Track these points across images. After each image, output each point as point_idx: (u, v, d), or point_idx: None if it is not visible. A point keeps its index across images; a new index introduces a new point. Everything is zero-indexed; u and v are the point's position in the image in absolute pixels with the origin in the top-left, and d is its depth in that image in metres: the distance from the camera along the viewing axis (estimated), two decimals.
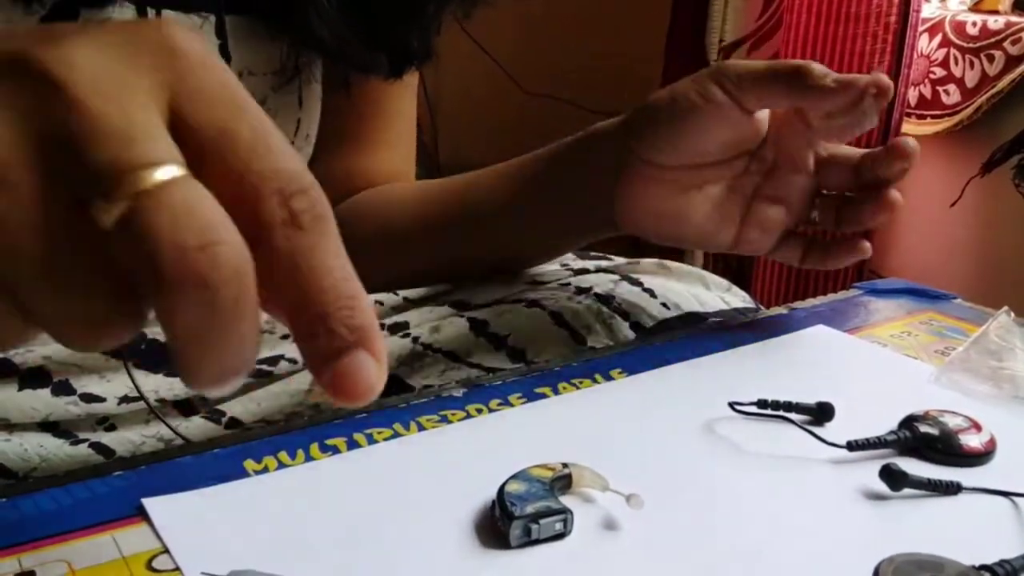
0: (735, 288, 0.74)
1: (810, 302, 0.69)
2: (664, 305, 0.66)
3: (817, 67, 0.56)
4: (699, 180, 0.61)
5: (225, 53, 0.54)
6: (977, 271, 1.32)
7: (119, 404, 0.56)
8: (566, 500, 0.40)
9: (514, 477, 0.41)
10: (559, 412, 0.51)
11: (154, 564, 0.36)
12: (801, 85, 0.56)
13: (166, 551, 0.37)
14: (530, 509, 0.38)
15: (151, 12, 0.51)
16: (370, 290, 0.73)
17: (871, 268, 1.39)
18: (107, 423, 0.56)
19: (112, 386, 0.57)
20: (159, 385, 0.57)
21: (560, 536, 0.39)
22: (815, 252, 0.64)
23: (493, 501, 0.40)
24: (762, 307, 0.72)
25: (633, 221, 0.64)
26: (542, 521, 0.38)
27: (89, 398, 0.55)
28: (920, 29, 1.39)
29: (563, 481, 0.41)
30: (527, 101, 1.95)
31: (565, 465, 0.42)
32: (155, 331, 0.58)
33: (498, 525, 0.39)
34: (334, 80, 0.67)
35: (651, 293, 0.67)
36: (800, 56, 1.55)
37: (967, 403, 0.53)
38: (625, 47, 2.04)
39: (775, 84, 0.57)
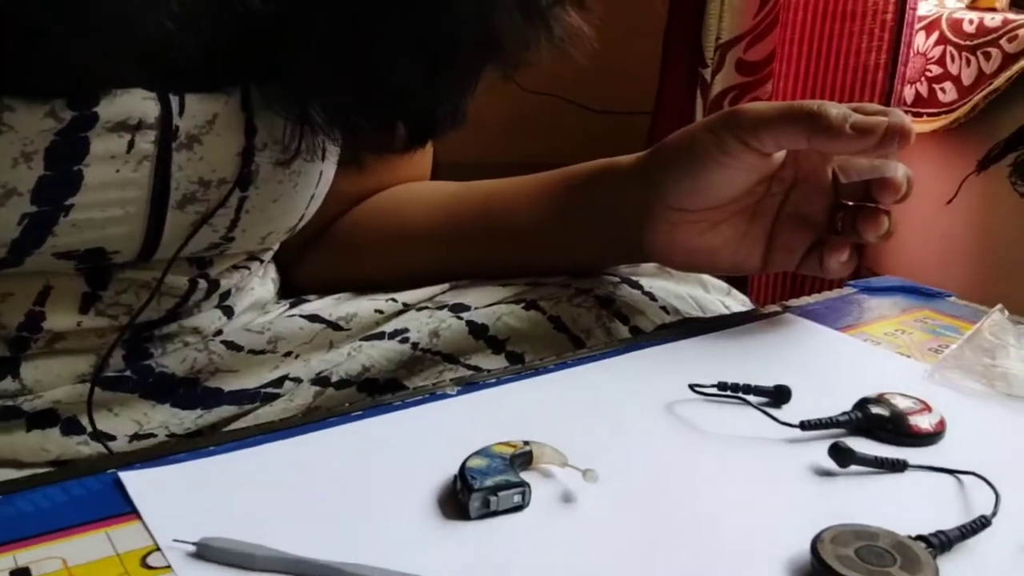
0: (735, 292, 0.74)
1: (804, 300, 0.69)
2: (664, 309, 0.66)
3: (834, 111, 0.56)
4: (725, 215, 0.62)
5: (251, 126, 0.53)
6: (973, 268, 1.33)
7: (130, 442, 0.57)
8: (526, 475, 0.42)
9: (476, 453, 0.42)
10: (526, 394, 0.52)
11: (148, 561, 0.36)
12: (818, 129, 0.56)
13: (159, 549, 0.37)
14: (489, 482, 0.40)
15: (173, 99, 0.50)
16: (378, 286, 0.74)
17: (867, 266, 1.39)
18: None
19: (120, 421, 0.57)
20: (168, 419, 0.58)
21: (518, 508, 0.40)
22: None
23: (455, 476, 0.41)
24: (760, 308, 0.72)
25: (665, 257, 0.66)
26: (500, 494, 0.40)
27: (99, 436, 0.55)
28: (917, 27, 1.40)
29: (524, 458, 0.43)
30: (526, 99, 1.95)
31: (526, 443, 0.43)
32: (163, 364, 0.59)
33: (459, 498, 0.40)
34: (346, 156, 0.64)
35: (651, 296, 0.67)
36: (796, 53, 1.55)
37: (958, 399, 0.53)
38: (623, 45, 2.04)
39: (792, 128, 0.57)
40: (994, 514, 0.40)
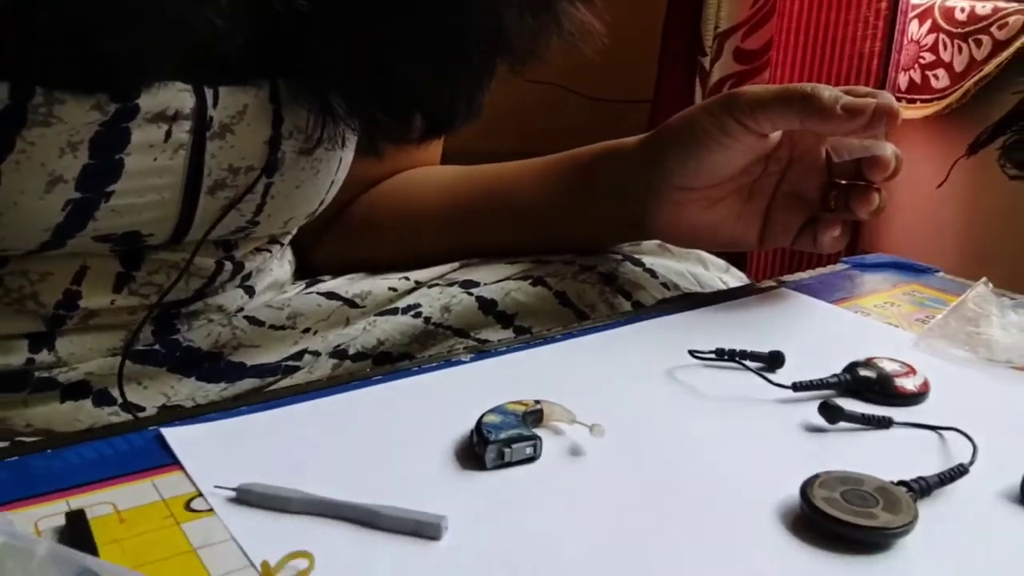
0: (733, 269, 0.77)
1: (799, 276, 0.73)
2: (664, 285, 0.70)
3: (827, 93, 0.59)
4: (723, 193, 0.65)
5: (278, 116, 0.56)
6: (963, 247, 1.36)
7: (158, 413, 0.60)
8: (537, 431, 0.45)
9: (491, 411, 0.45)
10: (535, 361, 0.55)
11: (192, 505, 0.39)
12: (811, 110, 0.59)
13: (201, 494, 0.40)
14: (504, 435, 0.43)
15: (208, 91, 0.53)
16: (391, 266, 0.77)
17: (863, 247, 1.42)
18: None
19: (148, 393, 0.60)
20: (194, 391, 0.61)
21: (530, 460, 0.44)
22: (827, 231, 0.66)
23: (472, 430, 0.45)
24: (756, 283, 0.75)
25: (669, 234, 0.69)
26: (514, 446, 0.43)
27: (129, 407, 0.58)
28: (910, 15, 1.42)
29: (535, 415, 0.46)
30: (527, 88, 1.97)
31: (537, 402, 0.47)
32: (189, 338, 0.62)
33: (475, 450, 0.44)
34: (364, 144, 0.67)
35: (652, 273, 0.70)
36: (793, 41, 1.58)
37: (942, 365, 0.56)
38: (623, 35, 2.06)
39: (786, 110, 0.60)
40: (972, 463, 0.44)
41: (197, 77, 0.53)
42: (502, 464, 0.43)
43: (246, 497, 0.39)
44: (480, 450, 0.43)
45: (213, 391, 0.62)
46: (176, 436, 0.44)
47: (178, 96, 0.52)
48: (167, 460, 0.42)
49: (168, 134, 0.52)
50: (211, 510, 0.39)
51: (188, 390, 0.61)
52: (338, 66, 0.56)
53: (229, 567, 0.35)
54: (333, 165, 0.62)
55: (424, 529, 0.38)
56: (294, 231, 0.69)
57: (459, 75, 0.60)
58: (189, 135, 0.53)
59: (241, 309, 0.66)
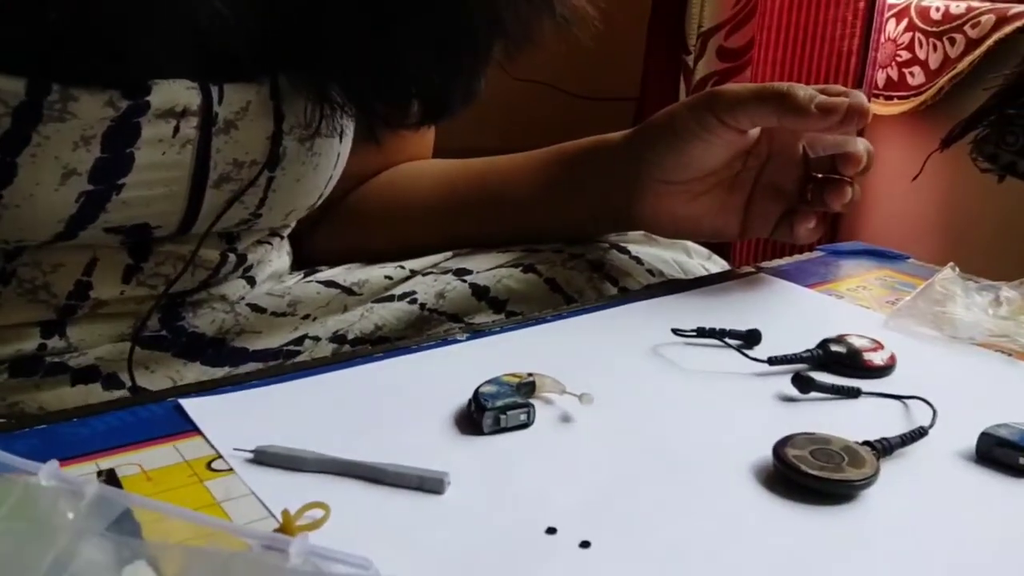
0: (715, 256, 0.80)
1: (776, 262, 0.76)
2: (650, 272, 0.73)
3: (802, 92, 0.63)
4: (706, 186, 0.69)
5: (279, 112, 0.59)
6: (936, 238, 1.40)
7: (175, 387, 0.62)
8: (530, 401, 0.48)
9: (487, 382, 0.49)
10: (527, 340, 0.59)
11: (213, 465, 0.43)
12: (787, 108, 0.63)
13: (220, 456, 0.43)
14: (500, 403, 0.47)
15: (213, 88, 0.56)
16: (386, 256, 0.80)
17: (840, 236, 1.46)
18: None
19: (156, 377, 0.63)
20: (199, 375, 0.64)
21: (524, 426, 0.47)
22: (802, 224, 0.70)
23: (470, 399, 0.48)
24: (736, 269, 0.79)
25: (653, 225, 0.73)
26: (509, 412, 0.47)
27: (138, 391, 0.61)
28: (887, 14, 1.47)
29: (528, 386, 0.49)
30: (514, 86, 2.00)
31: (530, 374, 0.50)
32: (194, 324, 0.65)
33: (473, 417, 0.47)
34: (363, 132, 0.70)
35: (638, 260, 0.74)
36: (774, 40, 1.62)
37: (909, 342, 0.60)
38: (608, 33, 2.10)
39: (764, 107, 0.63)
40: (931, 426, 0.47)
41: (203, 75, 0.56)
42: (498, 430, 0.46)
43: (262, 458, 0.42)
44: (477, 417, 0.47)
45: (217, 375, 0.65)
46: (194, 406, 0.47)
47: (185, 93, 0.55)
48: (186, 427, 0.46)
49: (176, 129, 0.55)
50: (231, 470, 0.42)
51: (194, 374, 0.64)
52: (342, 61, 0.59)
53: (251, 517, 0.39)
54: (331, 160, 0.65)
55: (428, 484, 0.41)
56: (293, 224, 0.73)
57: (457, 60, 0.63)
58: (196, 131, 0.56)
59: (243, 298, 0.69)
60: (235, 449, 0.43)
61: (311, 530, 0.37)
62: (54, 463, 0.32)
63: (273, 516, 0.39)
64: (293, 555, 0.28)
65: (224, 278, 0.67)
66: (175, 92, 0.55)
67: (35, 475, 0.31)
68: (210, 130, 0.57)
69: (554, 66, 2.19)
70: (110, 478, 0.40)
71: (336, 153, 0.66)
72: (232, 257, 0.65)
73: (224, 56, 0.55)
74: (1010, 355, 0.59)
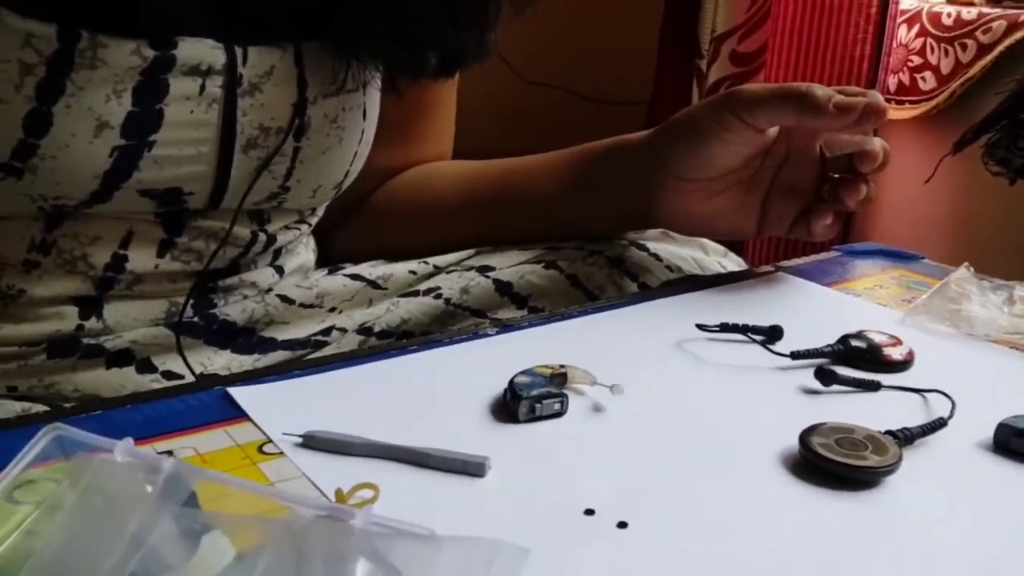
0: (731, 254, 0.82)
1: (794, 261, 0.78)
2: (668, 268, 0.75)
3: (820, 91, 0.64)
4: (724, 184, 0.71)
5: (303, 81, 0.62)
6: (949, 239, 1.42)
7: (223, 375, 0.65)
8: (563, 391, 0.50)
9: (522, 372, 0.51)
10: (555, 334, 0.61)
11: (264, 449, 0.44)
12: (806, 107, 0.64)
13: (271, 440, 0.45)
14: (534, 392, 0.49)
15: (238, 49, 0.59)
16: (409, 254, 0.82)
17: (854, 237, 1.48)
18: None
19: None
20: (228, 362, 0.66)
21: (558, 415, 0.49)
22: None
23: (505, 389, 0.50)
24: (755, 268, 0.80)
25: (673, 223, 0.75)
26: (544, 401, 0.49)
27: (169, 375, 0.63)
28: (899, 20, 1.49)
29: (560, 377, 0.51)
30: (527, 89, 2.03)
31: (562, 366, 0.52)
32: (226, 312, 0.67)
33: (508, 406, 0.49)
34: (385, 83, 0.73)
35: (656, 257, 0.76)
36: (787, 45, 1.64)
37: (926, 338, 0.62)
38: (621, 37, 2.12)
39: (783, 106, 0.65)
40: (951, 417, 0.49)
41: (225, 36, 0.58)
42: (533, 418, 0.48)
43: (311, 442, 0.44)
44: (513, 406, 0.48)
45: (247, 362, 0.67)
46: (241, 394, 0.49)
47: (210, 52, 0.58)
48: (235, 414, 0.48)
49: (202, 87, 0.58)
50: (281, 453, 0.44)
51: (224, 361, 0.66)
52: (360, 16, 0.61)
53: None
54: (356, 135, 0.68)
55: (470, 468, 0.43)
56: (320, 211, 0.74)
57: (469, 16, 0.66)
58: (221, 90, 0.59)
59: (272, 288, 0.71)
60: (284, 434, 0.45)
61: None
62: (129, 440, 0.34)
63: (325, 496, 0.41)
64: (359, 524, 0.30)
65: (254, 260, 0.69)
66: (200, 50, 0.57)
67: (110, 452, 0.33)
68: (235, 91, 0.59)
69: (567, 70, 2.21)
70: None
71: (360, 129, 0.68)
72: (263, 236, 0.67)
73: (247, 17, 0.58)
74: None
